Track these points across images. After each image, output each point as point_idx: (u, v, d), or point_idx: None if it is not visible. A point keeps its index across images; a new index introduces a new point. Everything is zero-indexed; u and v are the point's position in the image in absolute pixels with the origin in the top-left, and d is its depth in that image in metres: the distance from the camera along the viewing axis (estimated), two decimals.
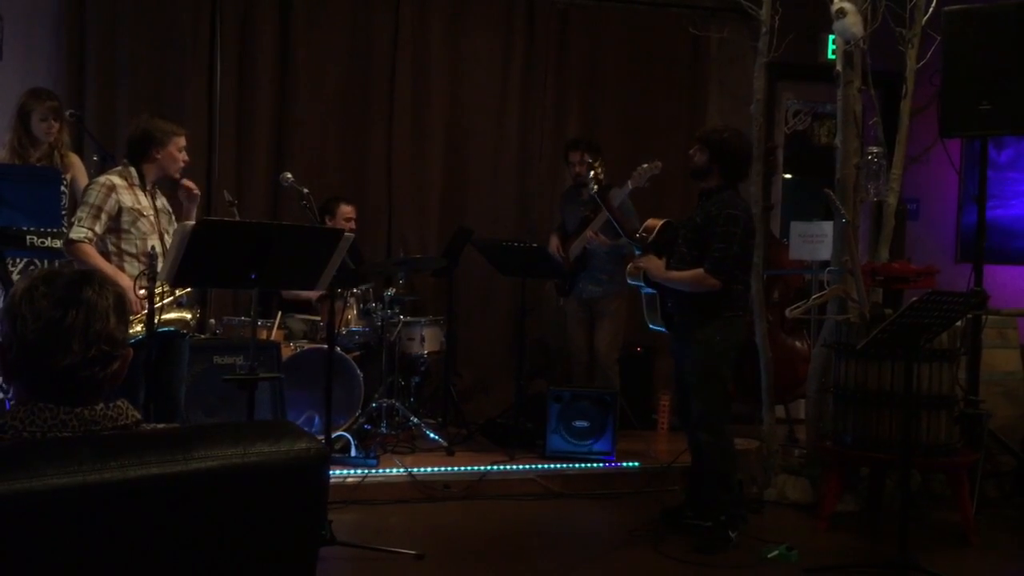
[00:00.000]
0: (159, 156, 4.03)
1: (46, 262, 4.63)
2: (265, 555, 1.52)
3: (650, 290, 4.39)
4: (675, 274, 4.25)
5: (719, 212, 4.15)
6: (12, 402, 1.57)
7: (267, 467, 1.49)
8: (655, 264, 4.31)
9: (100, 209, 3.90)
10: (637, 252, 4.43)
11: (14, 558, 1.28)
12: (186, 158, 4.14)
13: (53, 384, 1.52)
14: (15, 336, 1.51)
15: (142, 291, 3.60)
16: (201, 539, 1.45)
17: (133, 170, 4.03)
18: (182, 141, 4.11)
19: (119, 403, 1.57)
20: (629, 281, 4.49)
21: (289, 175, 4.49)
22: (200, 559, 1.46)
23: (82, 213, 3.92)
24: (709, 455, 4.22)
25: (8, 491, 1.26)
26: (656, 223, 4.44)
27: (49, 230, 4.38)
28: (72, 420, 1.51)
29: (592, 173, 4.40)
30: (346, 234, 3.68)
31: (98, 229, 3.90)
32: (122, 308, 1.57)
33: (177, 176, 4.14)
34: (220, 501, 1.46)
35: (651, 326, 4.48)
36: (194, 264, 3.39)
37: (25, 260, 4.72)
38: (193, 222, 3.47)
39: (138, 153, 4.04)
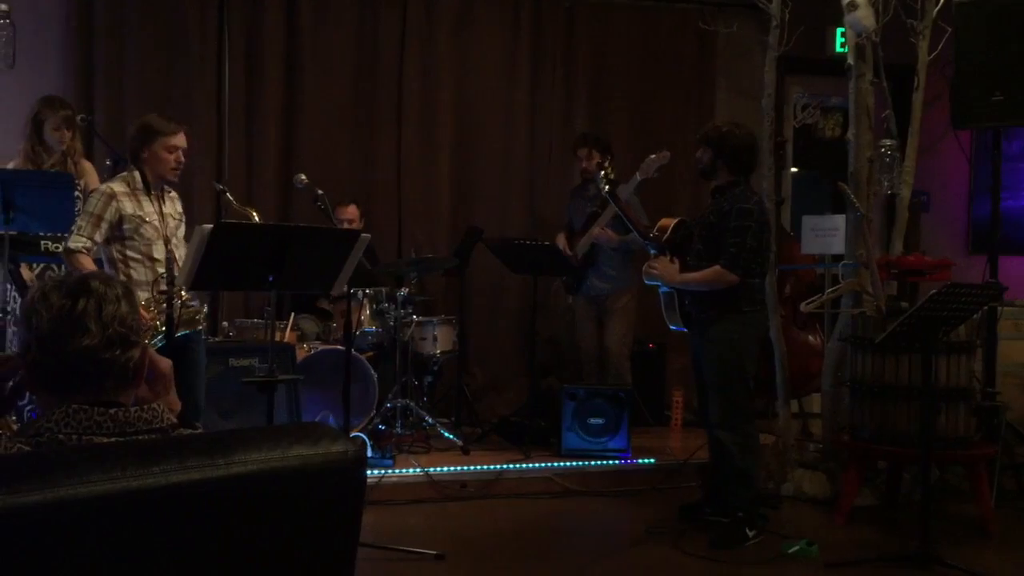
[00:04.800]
0: (145, 156, 3.91)
1: (63, 267, 4.65)
2: (304, 557, 1.52)
3: (667, 289, 4.37)
4: (691, 276, 4.21)
5: (731, 207, 4.13)
6: (37, 413, 1.58)
7: (306, 470, 1.48)
8: (670, 270, 4.27)
9: (100, 218, 3.86)
10: (652, 251, 4.40)
11: (58, 565, 1.28)
12: (180, 159, 3.93)
13: (74, 372, 1.53)
14: (31, 333, 1.55)
15: (150, 309, 3.61)
16: (241, 542, 1.44)
17: (137, 174, 3.94)
18: (172, 140, 3.90)
19: (154, 405, 1.57)
20: (646, 281, 4.45)
21: (303, 177, 4.49)
22: (239, 562, 1.45)
23: (81, 222, 3.88)
24: (730, 453, 4.18)
25: (53, 498, 1.26)
26: (669, 222, 4.42)
27: (63, 235, 4.38)
28: (107, 422, 1.51)
29: (603, 173, 4.37)
30: (362, 235, 3.67)
31: (98, 238, 3.86)
32: (131, 299, 1.61)
33: (171, 178, 3.97)
34: (259, 504, 1.45)
35: (671, 327, 4.43)
36: (212, 267, 3.38)
37: (42, 265, 4.74)
38: (211, 224, 3.45)
39: (133, 154, 3.96)
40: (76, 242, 3.85)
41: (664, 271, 4.28)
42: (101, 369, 1.54)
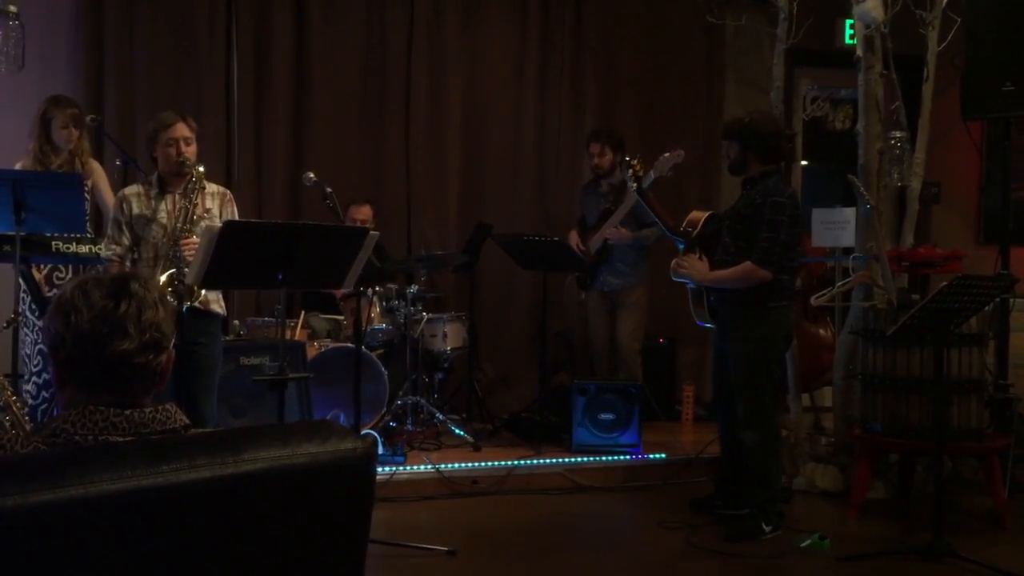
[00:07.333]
0: (155, 155, 3.92)
1: (71, 268, 4.67)
2: (314, 554, 1.52)
3: (695, 284, 4.32)
4: (722, 273, 4.13)
5: (764, 200, 4.04)
6: (60, 407, 1.58)
7: (315, 467, 1.48)
8: (699, 268, 4.20)
9: (119, 222, 3.94)
10: (680, 246, 4.36)
11: (69, 564, 1.29)
12: (180, 150, 3.81)
13: (108, 373, 1.53)
14: (69, 330, 1.53)
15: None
16: (251, 540, 1.45)
17: (155, 176, 3.98)
18: (168, 133, 3.82)
19: (167, 406, 1.58)
20: (674, 278, 4.37)
21: (312, 175, 4.48)
22: (249, 560, 1.46)
23: (109, 230, 4.01)
24: (753, 454, 4.14)
25: (64, 497, 1.26)
26: (700, 216, 4.35)
27: (74, 236, 4.40)
28: (123, 423, 1.52)
29: (631, 171, 4.31)
30: (371, 232, 3.67)
31: (125, 242, 3.93)
32: (166, 303, 1.63)
33: (179, 172, 3.85)
34: (269, 502, 1.46)
35: (698, 322, 4.39)
36: (222, 266, 3.39)
37: (49, 267, 4.76)
38: (219, 224, 3.46)
39: (150, 156, 3.99)
40: (106, 251, 3.97)
41: (693, 268, 4.21)
42: (133, 372, 1.55)
